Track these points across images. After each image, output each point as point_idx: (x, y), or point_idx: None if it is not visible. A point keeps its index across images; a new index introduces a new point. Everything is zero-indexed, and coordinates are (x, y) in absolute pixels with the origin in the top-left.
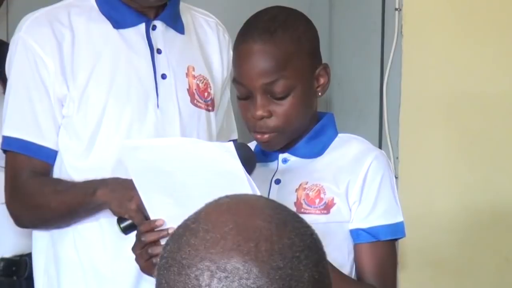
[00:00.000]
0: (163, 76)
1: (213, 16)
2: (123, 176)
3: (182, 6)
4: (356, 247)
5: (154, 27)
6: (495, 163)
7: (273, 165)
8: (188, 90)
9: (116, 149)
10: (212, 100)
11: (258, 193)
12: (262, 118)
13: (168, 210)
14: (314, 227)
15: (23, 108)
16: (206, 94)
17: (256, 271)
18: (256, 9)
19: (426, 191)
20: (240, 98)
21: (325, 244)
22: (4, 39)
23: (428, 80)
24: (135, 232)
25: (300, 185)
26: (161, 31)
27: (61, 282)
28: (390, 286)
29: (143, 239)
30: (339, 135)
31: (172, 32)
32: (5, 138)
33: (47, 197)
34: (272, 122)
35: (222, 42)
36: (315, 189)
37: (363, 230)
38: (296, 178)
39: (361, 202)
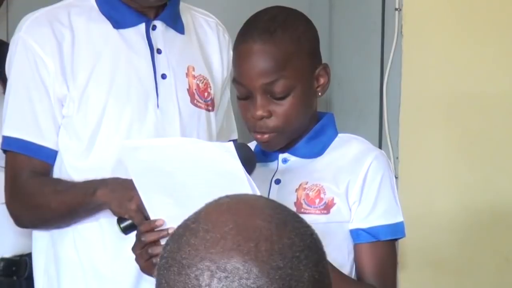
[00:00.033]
0: (163, 76)
1: (213, 16)
2: (123, 176)
3: (182, 6)
4: (356, 247)
5: (154, 27)
6: (495, 163)
7: (273, 165)
8: (188, 90)
9: (116, 149)
10: (212, 100)
11: (258, 193)
12: (262, 118)
13: (168, 210)
14: (314, 227)
15: (23, 108)
16: (206, 94)
17: (256, 271)
18: (256, 9)
19: (426, 191)
20: (240, 98)
21: (325, 244)
22: (4, 39)
23: (428, 80)
24: (135, 232)
25: (300, 185)
26: (161, 31)
27: (61, 282)
28: (390, 286)
29: (143, 239)
30: (339, 135)
31: (172, 32)
32: (5, 138)
33: (47, 197)
34: (272, 122)
35: (222, 42)
36: (315, 189)
37: (363, 230)
38: (296, 178)
39: (361, 202)
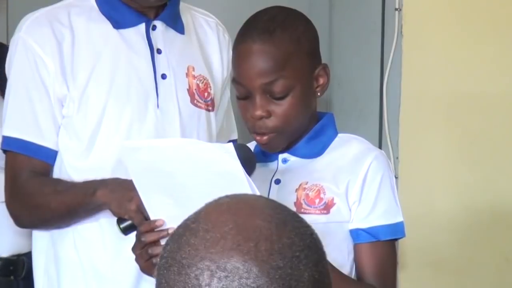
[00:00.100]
0: (163, 76)
1: (213, 16)
2: (123, 176)
3: (182, 6)
4: (356, 247)
5: (154, 27)
6: (495, 163)
7: (273, 165)
8: (188, 90)
9: (116, 149)
10: (212, 100)
11: (258, 194)
12: (261, 118)
13: (168, 211)
14: (314, 227)
15: (23, 108)
16: (206, 94)
17: (256, 271)
18: (256, 9)
19: (426, 191)
20: (239, 98)
21: (325, 244)
22: (4, 39)
23: (428, 80)
24: (135, 233)
25: (300, 185)
26: (161, 31)
27: (61, 282)
28: (390, 286)
29: (143, 239)
30: (339, 135)
31: (172, 32)
32: (5, 138)
33: (47, 197)
34: (271, 122)
35: (222, 42)
36: (315, 189)
37: (363, 230)
38: (296, 178)
39: (361, 202)
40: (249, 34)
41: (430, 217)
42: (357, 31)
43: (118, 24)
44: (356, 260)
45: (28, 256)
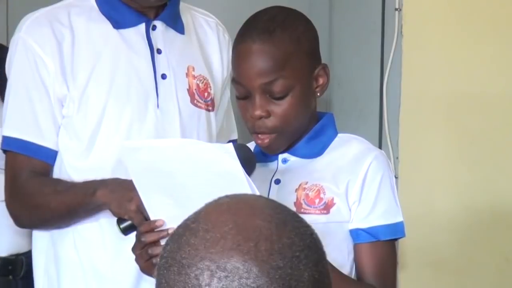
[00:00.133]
0: (163, 76)
1: (213, 16)
2: (123, 176)
3: (182, 6)
4: (356, 247)
5: (154, 27)
6: (495, 163)
7: (272, 165)
8: (188, 90)
9: (116, 149)
10: (212, 100)
11: (258, 194)
12: (260, 118)
13: (168, 211)
14: (314, 227)
15: (23, 108)
16: (206, 94)
17: (256, 271)
18: (256, 9)
19: (426, 191)
20: (239, 98)
21: (325, 244)
22: (4, 39)
23: (428, 80)
24: (135, 233)
25: (300, 185)
26: (161, 31)
27: (61, 282)
28: (390, 286)
29: (143, 239)
30: (339, 135)
31: (172, 32)
32: (5, 138)
33: (47, 197)
34: (270, 122)
35: (222, 42)
36: (314, 189)
37: (363, 230)
38: (295, 178)
39: (361, 202)
40: (248, 34)
41: (430, 217)
42: (357, 31)
43: (118, 24)
44: (356, 260)
45: (26, 255)
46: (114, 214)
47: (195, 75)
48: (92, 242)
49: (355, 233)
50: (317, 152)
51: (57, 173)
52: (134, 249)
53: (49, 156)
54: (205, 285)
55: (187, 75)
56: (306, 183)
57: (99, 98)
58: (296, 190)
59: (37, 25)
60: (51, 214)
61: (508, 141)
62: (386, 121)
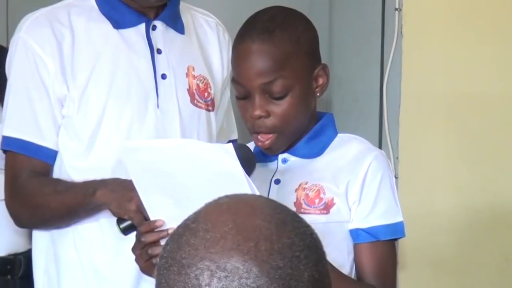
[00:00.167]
0: (163, 76)
1: (213, 16)
2: (123, 176)
3: (182, 6)
4: (356, 247)
5: (154, 27)
6: (495, 163)
7: (272, 165)
8: (188, 90)
9: (116, 149)
10: (212, 100)
11: (258, 194)
12: (260, 118)
13: (168, 211)
14: (314, 227)
15: (23, 108)
16: (206, 94)
17: (256, 271)
18: (256, 9)
19: (426, 191)
20: (238, 98)
21: (325, 244)
22: (4, 39)
23: (428, 80)
24: (135, 233)
25: (300, 185)
26: (161, 31)
27: (61, 282)
28: (390, 286)
29: (143, 239)
30: (339, 135)
31: (172, 32)
32: (5, 138)
33: (47, 197)
34: (270, 122)
35: (222, 42)
36: (314, 189)
37: (362, 230)
38: (295, 178)
39: (361, 202)
40: (248, 34)
41: (430, 217)
42: (357, 31)
43: (118, 24)
44: (356, 260)
45: (25, 255)
46: (114, 214)
47: (195, 75)
48: (92, 242)
49: (355, 233)
50: (317, 152)
51: (57, 173)
52: (134, 249)
53: (49, 156)
54: (205, 285)
55: (187, 75)
56: (306, 183)
57: (99, 98)
58: (296, 190)
59: (37, 25)
60: (51, 214)
61: (508, 141)
62: (386, 121)
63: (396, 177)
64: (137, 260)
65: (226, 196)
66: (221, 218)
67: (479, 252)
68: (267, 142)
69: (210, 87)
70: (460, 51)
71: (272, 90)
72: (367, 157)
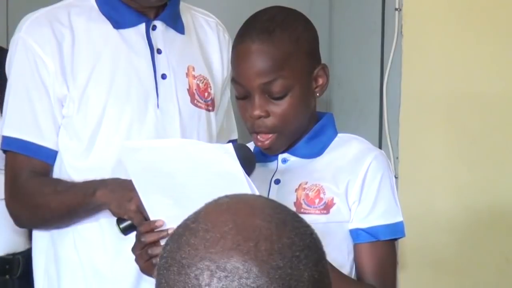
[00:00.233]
0: (163, 76)
1: (213, 16)
2: (123, 176)
3: (182, 6)
4: (355, 247)
5: (154, 27)
6: (495, 163)
7: (272, 165)
8: (188, 90)
9: (116, 149)
10: (212, 100)
11: (258, 194)
12: (259, 117)
13: (168, 211)
14: (313, 227)
15: (23, 108)
16: (206, 94)
17: (256, 271)
18: (256, 9)
19: (426, 191)
20: (238, 98)
21: (325, 244)
22: (4, 39)
23: (428, 80)
24: (135, 233)
25: (300, 185)
26: (161, 31)
27: (61, 282)
28: (390, 286)
29: (142, 239)
30: (339, 135)
31: (172, 32)
32: (5, 138)
33: (47, 197)
34: (269, 122)
35: (222, 42)
36: (314, 189)
37: (362, 230)
38: (295, 178)
39: (361, 202)
40: (248, 34)
41: (430, 217)
42: (357, 31)
43: (118, 24)
44: (356, 260)
45: (23, 255)
46: (114, 214)
47: (195, 75)
48: (92, 242)
49: (355, 233)
50: (317, 152)
51: (57, 173)
52: (134, 250)
53: (49, 156)
54: (205, 285)
55: (187, 75)
56: (306, 183)
57: (99, 98)
58: (296, 190)
59: (37, 25)
60: (51, 214)
61: (508, 141)
62: (386, 121)
63: (396, 177)
64: (137, 260)
65: (226, 196)
66: (221, 218)
67: (479, 252)
68: (266, 142)
69: (210, 87)
70: (460, 51)
71: (271, 90)
72: (367, 157)
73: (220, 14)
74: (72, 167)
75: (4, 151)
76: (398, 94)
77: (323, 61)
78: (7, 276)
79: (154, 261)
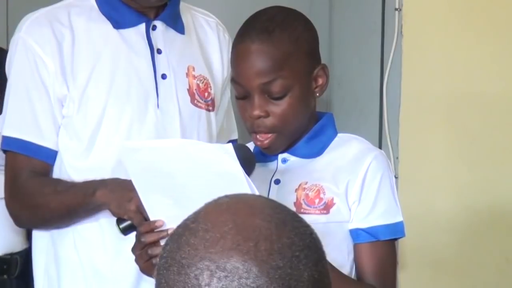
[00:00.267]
0: (163, 76)
1: (213, 16)
2: (123, 176)
3: (182, 6)
4: (355, 247)
5: (154, 27)
6: (495, 163)
7: (272, 165)
8: (188, 90)
9: (116, 149)
10: (212, 100)
11: (258, 194)
12: (259, 117)
13: (168, 211)
14: (313, 227)
15: (23, 108)
16: (206, 94)
17: (256, 271)
18: (256, 9)
19: (426, 191)
20: (238, 98)
21: (325, 244)
22: (4, 39)
23: (428, 80)
24: (135, 233)
25: (300, 185)
26: (161, 31)
27: (61, 282)
28: (390, 286)
29: (142, 240)
30: (339, 135)
31: (172, 32)
32: (5, 138)
33: (47, 197)
34: (269, 121)
35: (222, 42)
36: (314, 189)
37: (362, 230)
38: (295, 178)
39: (361, 202)
40: (247, 34)
41: (430, 217)
42: (357, 31)
43: (118, 24)
44: (356, 260)
45: (21, 255)
46: (114, 214)
47: (195, 75)
48: (92, 242)
49: (355, 233)
50: (316, 152)
51: (57, 173)
52: (134, 250)
53: (49, 156)
54: (205, 285)
55: (187, 75)
56: (306, 183)
57: (99, 98)
58: (296, 190)
59: (37, 25)
60: (51, 214)
61: (508, 141)
62: (386, 121)
63: (396, 177)
64: (137, 260)
65: (226, 196)
66: (220, 218)
67: (479, 252)
68: (266, 142)
69: (210, 87)
70: (460, 51)
71: (271, 90)
72: (367, 157)
73: (220, 14)
74: (72, 167)
75: (4, 151)
76: (398, 94)
77: (323, 61)
78: (5, 276)
79: (154, 261)
